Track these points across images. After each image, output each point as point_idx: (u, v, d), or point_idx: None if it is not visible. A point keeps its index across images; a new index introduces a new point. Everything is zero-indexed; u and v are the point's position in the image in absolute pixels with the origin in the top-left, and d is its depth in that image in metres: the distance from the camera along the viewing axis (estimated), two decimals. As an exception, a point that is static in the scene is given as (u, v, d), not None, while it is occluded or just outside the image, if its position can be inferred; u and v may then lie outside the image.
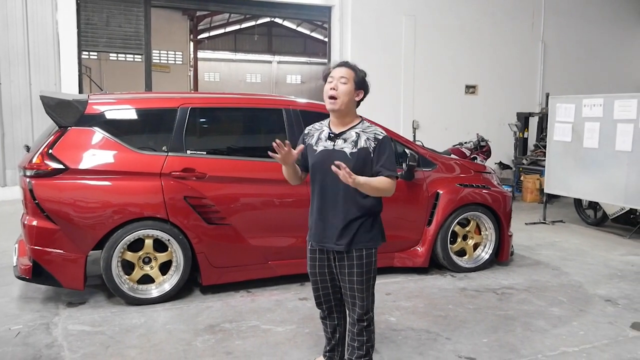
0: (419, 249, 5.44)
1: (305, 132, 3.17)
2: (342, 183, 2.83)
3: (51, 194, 4.31)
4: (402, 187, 5.23)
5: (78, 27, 9.60)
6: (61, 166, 4.33)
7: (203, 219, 4.64)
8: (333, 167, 2.70)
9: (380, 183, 2.87)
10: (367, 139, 2.94)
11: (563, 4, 12.86)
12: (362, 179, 2.76)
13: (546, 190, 8.50)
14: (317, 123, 3.17)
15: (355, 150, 2.92)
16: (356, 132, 2.97)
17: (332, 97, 2.92)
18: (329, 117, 3.09)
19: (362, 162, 2.91)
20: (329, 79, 2.96)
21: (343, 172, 2.67)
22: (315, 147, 3.03)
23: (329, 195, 2.99)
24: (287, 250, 4.97)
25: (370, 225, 3.00)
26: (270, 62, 36.74)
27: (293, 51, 35.79)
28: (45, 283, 4.54)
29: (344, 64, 2.99)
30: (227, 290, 4.89)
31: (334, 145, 2.97)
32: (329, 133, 3.02)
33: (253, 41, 34.48)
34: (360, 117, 3.08)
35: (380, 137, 2.95)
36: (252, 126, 5.46)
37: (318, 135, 3.06)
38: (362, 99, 3.03)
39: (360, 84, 2.97)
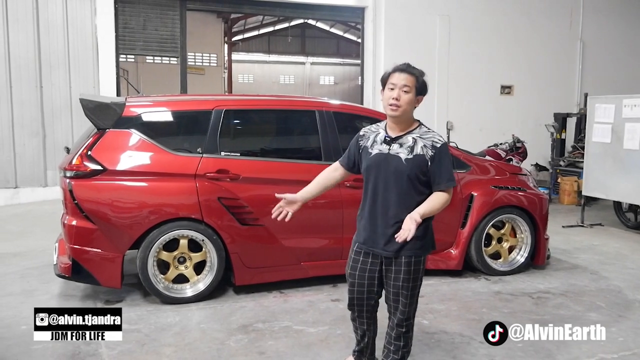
0: (452, 251, 5.39)
1: (361, 133, 3.13)
2: (395, 188, 2.86)
3: (90, 195, 4.41)
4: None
5: (116, 31, 9.81)
6: (100, 167, 4.44)
7: (237, 220, 4.69)
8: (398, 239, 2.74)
9: (439, 202, 2.86)
10: (424, 145, 2.88)
11: (602, 2, 12.55)
12: (421, 210, 2.79)
13: (584, 193, 8.30)
14: (373, 125, 3.14)
15: (410, 156, 2.88)
16: (413, 138, 2.91)
17: (393, 105, 2.88)
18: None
19: (418, 169, 2.88)
20: (390, 85, 2.90)
21: (405, 235, 2.70)
22: (370, 150, 3.01)
23: (381, 200, 2.96)
24: (319, 252, 4.98)
25: (422, 232, 2.92)
26: (303, 63, 36.90)
27: (326, 52, 35.89)
28: (84, 281, 4.65)
29: (406, 70, 2.90)
30: (260, 291, 4.93)
31: (389, 149, 2.94)
32: (385, 136, 2.99)
33: (286, 43, 34.70)
34: (418, 121, 3.02)
35: (439, 145, 2.89)
36: (286, 128, 5.50)
37: (374, 137, 3.04)
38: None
39: (421, 90, 2.92)
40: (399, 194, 2.90)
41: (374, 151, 2.99)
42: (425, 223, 2.92)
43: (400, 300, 2.99)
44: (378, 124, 3.13)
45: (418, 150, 2.89)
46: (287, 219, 3.06)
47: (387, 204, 2.93)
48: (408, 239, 2.70)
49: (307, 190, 3.17)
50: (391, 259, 2.96)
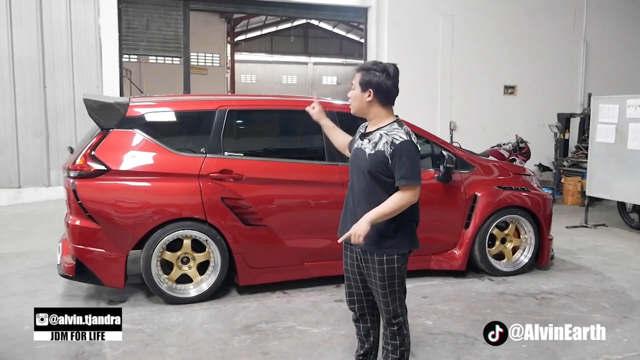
0: (456, 251, 5.38)
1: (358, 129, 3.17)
2: (366, 182, 2.86)
3: (93, 195, 4.42)
4: (439, 190, 5.19)
5: (119, 31, 9.82)
6: (103, 167, 4.44)
7: (240, 220, 4.69)
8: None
9: (393, 204, 2.76)
10: (386, 142, 2.83)
11: (606, 2, 12.50)
12: (371, 216, 2.74)
13: (588, 193, 8.28)
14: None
15: (373, 152, 2.86)
16: (380, 134, 2.88)
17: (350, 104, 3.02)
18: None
19: (378, 165, 2.83)
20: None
21: (354, 238, 2.74)
22: (354, 145, 3.06)
23: (352, 195, 3.00)
24: (322, 252, 4.97)
25: (392, 230, 2.87)
26: (306, 63, 36.94)
27: (329, 52, 35.92)
28: (87, 281, 4.66)
29: (357, 69, 3.00)
30: (264, 291, 4.93)
31: (361, 144, 2.96)
32: (362, 132, 3.04)
33: (289, 43, 34.74)
34: (395, 117, 2.97)
35: (398, 142, 2.79)
36: (289, 128, 5.49)
37: (359, 133, 3.08)
38: (379, 98, 2.87)
39: (365, 85, 2.88)
40: (362, 189, 2.90)
41: (354, 146, 3.04)
42: (396, 223, 2.86)
43: (380, 299, 2.98)
44: None
45: (380, 146, 2.84)
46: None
47: (356, 200, 2.95)
48: (357, 242, 2.74)
49: (331, 126, 3.44)
50: (367, 255, 2.94)
